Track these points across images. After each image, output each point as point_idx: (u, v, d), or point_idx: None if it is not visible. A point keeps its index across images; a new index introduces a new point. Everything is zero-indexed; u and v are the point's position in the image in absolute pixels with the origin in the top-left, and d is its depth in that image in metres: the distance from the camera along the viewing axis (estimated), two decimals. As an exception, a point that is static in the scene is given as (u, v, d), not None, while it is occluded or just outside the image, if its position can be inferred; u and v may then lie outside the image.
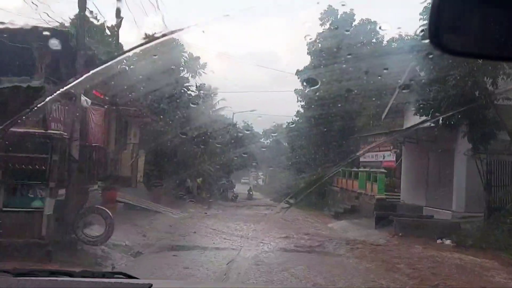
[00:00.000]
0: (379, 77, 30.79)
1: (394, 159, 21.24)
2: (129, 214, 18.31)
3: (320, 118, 38.04)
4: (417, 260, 12.71)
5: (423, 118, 16.99)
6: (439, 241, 15.57)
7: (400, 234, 16.71)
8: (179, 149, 28.45)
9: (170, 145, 27.90)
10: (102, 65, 19.77)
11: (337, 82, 34.77)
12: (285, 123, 47.98)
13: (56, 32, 10.34)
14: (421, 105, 16.28)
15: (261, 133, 58.95)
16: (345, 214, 25.99)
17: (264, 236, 17.01)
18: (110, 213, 10.23)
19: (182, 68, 26.42)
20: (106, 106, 14.93)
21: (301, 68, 43.19)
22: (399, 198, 23.26)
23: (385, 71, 30.45)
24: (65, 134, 9.22)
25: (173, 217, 19.56)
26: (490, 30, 1.27)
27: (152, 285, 2.05)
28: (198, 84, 27.11)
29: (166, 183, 26.94)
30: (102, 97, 20.12)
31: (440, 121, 16.47)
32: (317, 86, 38.54)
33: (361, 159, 25.71)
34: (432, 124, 16.93)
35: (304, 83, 42.57)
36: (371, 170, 26.39)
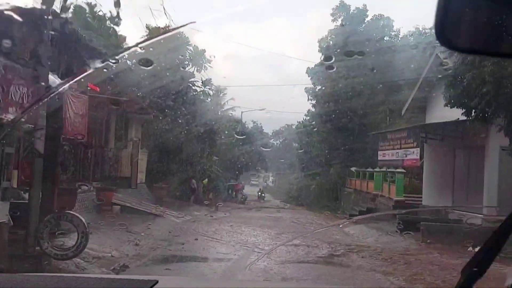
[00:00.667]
0: (396, 72, 28.76)
1: (418, 157, 19.02)
2: (125, 218, 16.34)
3: (332, 116, 36.17)
4: (455, 274, 10.58)
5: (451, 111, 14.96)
6: (470, 249, 13.47)
7: (428, 241, 14.60)
8: (184, 148, 26.48)
9: (175, 143, 25.93)
10: (98, 55, 17.93)
11: (349, 79, 32.92)
12: (295, 123, 45.94)
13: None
14: (453, 95, 14.15)
15: (270, 134, 56.65)
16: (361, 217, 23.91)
17: (274, 243, 14.97)
18: (83, 219, 8.22)
19: (187, 62, 24.45)
20: (95, 96, 12.92)
21: (311, 66, 41.18)
22: (420, 201, 21.09)
23: (402, 65, 28.42)
24: (23, 120, 7.23)
25: (174, 222, 17.54)
26: (498, 26, 1.18)
27: (158, 281, 1.74)
28: (204, 79, 25.12)
29: (170, 184, 24.94)
30: (98, 90, 18.26)
31: (472, 114, 14.31)
32: (328, 83, 36.64)
33: (380, 158, 23.51)
34: (463, 117, 14.72)
35: (315, 81, 40.62)
36: (388, 170, 24.29)
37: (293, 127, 47.80)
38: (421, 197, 21.13)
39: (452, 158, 19.26)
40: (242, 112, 40.40)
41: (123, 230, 13.95)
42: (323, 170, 40.64)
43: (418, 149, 19.03)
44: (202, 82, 24.98)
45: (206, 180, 27.57)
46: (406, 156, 19.64)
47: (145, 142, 24.97)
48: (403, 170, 22.92)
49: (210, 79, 25.45)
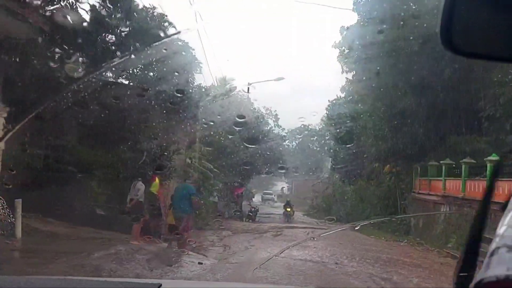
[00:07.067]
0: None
1: None
2: None
3: (388, 83, 21.76)
4: None
5: None
6: None
7: None
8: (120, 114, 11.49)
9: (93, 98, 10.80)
10: None
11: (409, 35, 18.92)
12: (327, 104, 30.74)
13: None
14: None
15: (285, 133, 39.17)
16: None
17: None
18: None
19: None
20: None
21: (347, 25, 26.93)
22: None
23: None
24: None
25: None
26: (504, 31, 1.06)
27: (161, 284, 1.69)
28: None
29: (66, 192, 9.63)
30: None
31: None
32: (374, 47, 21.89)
33: None
34: None
35: (352, 43, 25.76)
36: None
37: (323, 111, 31.89)
38: None
39: None
40: (249, 84, 24.97)
41: None
42: (367, 169, 25.64)
43: None
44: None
45: (157, 182, 11.30)
46: None
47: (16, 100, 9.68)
48: None
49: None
